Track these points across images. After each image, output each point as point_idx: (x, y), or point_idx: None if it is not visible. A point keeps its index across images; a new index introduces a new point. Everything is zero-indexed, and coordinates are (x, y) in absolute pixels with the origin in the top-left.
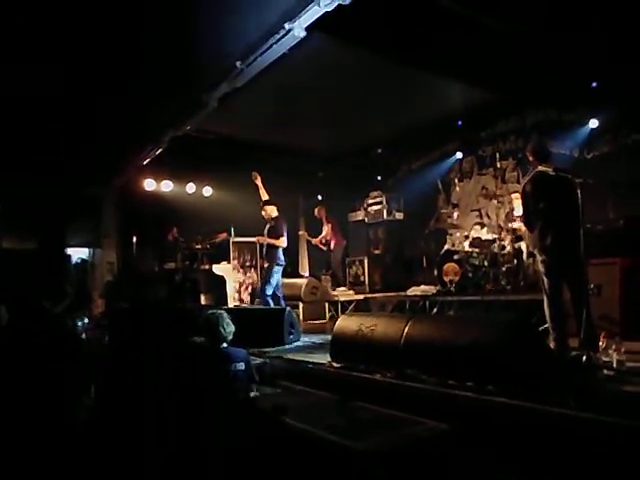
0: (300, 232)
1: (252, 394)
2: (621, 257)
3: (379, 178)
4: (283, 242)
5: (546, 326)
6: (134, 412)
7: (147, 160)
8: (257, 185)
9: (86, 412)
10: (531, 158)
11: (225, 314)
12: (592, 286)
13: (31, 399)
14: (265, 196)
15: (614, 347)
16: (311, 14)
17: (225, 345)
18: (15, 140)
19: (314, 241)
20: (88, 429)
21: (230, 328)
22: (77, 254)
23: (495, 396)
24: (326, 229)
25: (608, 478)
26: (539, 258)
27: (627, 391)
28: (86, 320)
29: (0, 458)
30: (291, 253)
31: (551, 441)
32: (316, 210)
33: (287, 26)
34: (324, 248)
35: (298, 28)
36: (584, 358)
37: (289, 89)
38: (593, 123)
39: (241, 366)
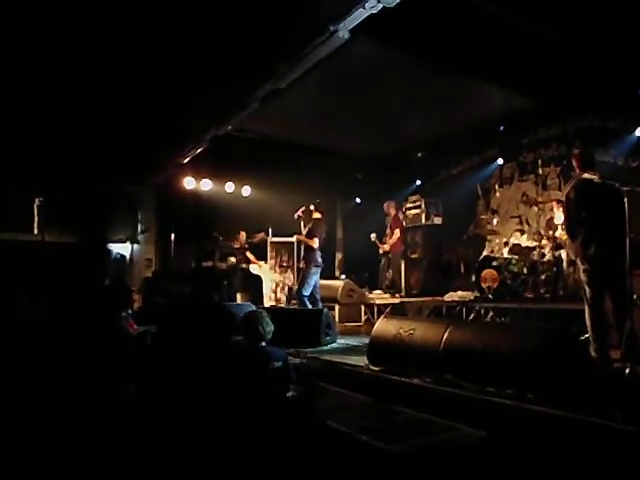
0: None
1: (289, 394)
2: None
3: (418, 182)
4: (314, 242)
5: (587, 336)
6: (174, 408)
7: (187, 158)
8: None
9: (127, 406)
10: (576, 165)
11: (265, 313)
12: (635, 297)
13: (70, 392)
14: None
15: None
16: (356, 16)
17: (264, 344)
18: (58, 136)
19: (383, 248)
20: (128, 423)
21: (269, 327)
22: (116, 249)
23: (535, 405)
24: (397, 233)
25: None
26: (581, 267)
27: None
28: (130, 311)
29: (38, 448)
30: (328, 255)
31: (592, 453)
32: (385, 205)
33: (332, 28)
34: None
35: (343, 30)
36: (627, 370)
37: (330, 91)
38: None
39: (279, 365)
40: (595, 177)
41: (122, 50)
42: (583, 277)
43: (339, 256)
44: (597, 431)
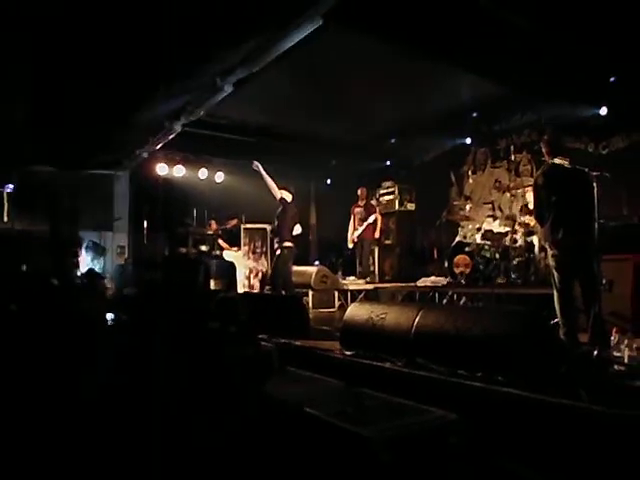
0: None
1: (261, 378)
2: (634, 254)
3: (392, 168)
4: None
5: (556, 320)
6: (144, 394)
7: (160, 144)
8: (261, 174)
9: (95, 391)
10: (545, 151)
11: (237, 299)
12: (604, 282)
13: (37, 375)
14: (274, 187)
15: (626, 343)
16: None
17: (235, 329)
18: (29, 122)
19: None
20: (95, 408)
21: (241, 313)
22: (89, 237)
23: (504, 387)
24: (379, 219)
25: (616, 471)
26: (550, 252)
27: (638, 386)
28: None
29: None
30: (301, 241)
31: (560, 433)
32: (359, 190)
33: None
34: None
35: (315, 15)
36: (595, 353)
37: (304, 76)
38: (603, 110)
39: (249, 351)
40: (565, 162)
41: (94, 31)
42: (551, 262)
43: (313, 242)
44: (564, 412)
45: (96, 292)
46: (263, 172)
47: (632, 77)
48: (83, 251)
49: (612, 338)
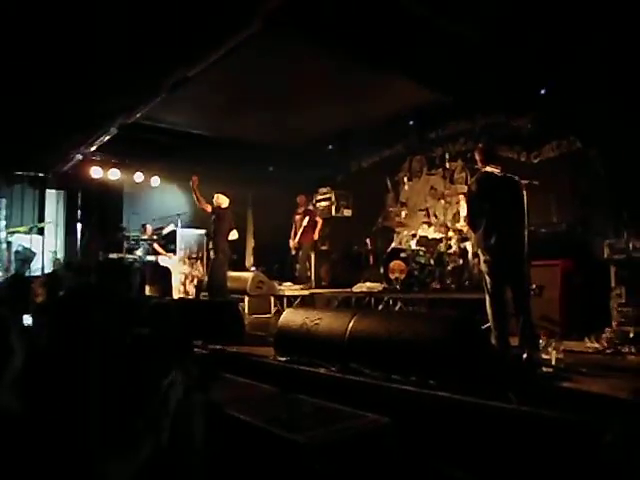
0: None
1: (195, 386)
2: (562, 259)
3: (329, 174)
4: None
5: (488, 324)
6: (71, 403)
7: (95, 146)
8: (193, 189)
9: (16, 403)
10: (478, 159)
11: (171, 304)
12: (534, 286)
13: None
14: (202, 202)
15: (554, 346)
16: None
17: (169, 336)
18: None
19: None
20: (17, 421)
21: (173, 319)
22: (19, 241)
23: (436, 390)
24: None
25: (545, 468)
26: (482, 257)
27: (564, 387)
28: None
29: None
30: (238, 246)
31: (490, 434)
32: (298, 198)
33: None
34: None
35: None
36: (524, 356)
37: (242, 82)
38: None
39: (179, 357)
40: (497, 170)
41: (24, 27)
42: (484, 267)
43: (250, 247)
44: (494, 413)
45: (20, 297)
46: (195, 189)
47: (561, 90)
48: (12, 255)
49: (541, 341)
